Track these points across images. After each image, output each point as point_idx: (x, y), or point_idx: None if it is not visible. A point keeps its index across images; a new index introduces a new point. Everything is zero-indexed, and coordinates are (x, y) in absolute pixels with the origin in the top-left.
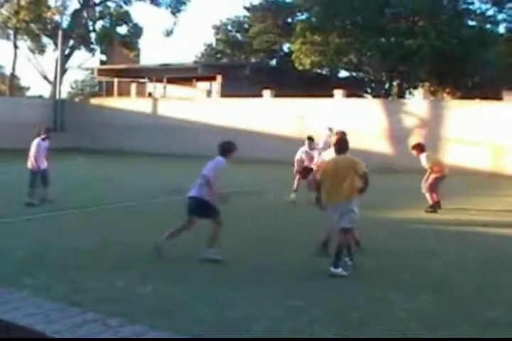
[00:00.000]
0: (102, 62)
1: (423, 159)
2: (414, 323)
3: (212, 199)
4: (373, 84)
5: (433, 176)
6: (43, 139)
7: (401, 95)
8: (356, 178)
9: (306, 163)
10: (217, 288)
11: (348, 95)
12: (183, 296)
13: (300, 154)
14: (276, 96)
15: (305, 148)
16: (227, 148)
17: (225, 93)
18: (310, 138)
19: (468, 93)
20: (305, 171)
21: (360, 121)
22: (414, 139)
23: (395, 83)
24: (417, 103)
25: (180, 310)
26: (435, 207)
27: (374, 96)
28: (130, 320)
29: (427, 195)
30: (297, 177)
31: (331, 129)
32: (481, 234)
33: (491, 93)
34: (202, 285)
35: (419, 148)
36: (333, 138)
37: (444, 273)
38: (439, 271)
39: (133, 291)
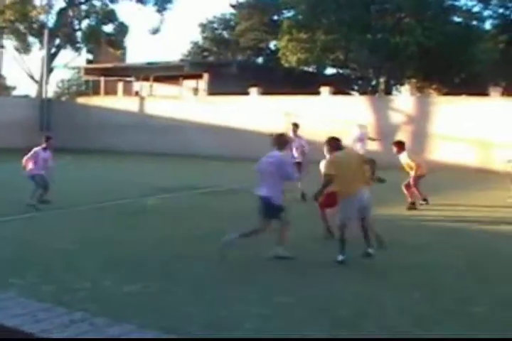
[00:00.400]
0: (89, 61)
1: (403, 157)
2: (404, 320)
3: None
4: (360, 81)
5: (413, 175)
6: (44, 149)
7: (388, 92)
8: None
9: (295, 151)
10: (206, 286)
11: (335, 92)
12: (171, 295)
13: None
14: (263, 93)
15: (291, 134)
16: (283, 141)
17: (211, 91)
18: (295, 125)
19: (454, 89)
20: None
21: (347, 118)
22: (400, 136)
23: (381, 80)
24: (404, 99)
25: (169, 308)
26: (415, 203)
27: (361, 93)
28: (117, 319)
29: (406, 193)
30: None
31: (362, 126)
32: (469, 229)
33: (478, 89)
34: (190, 283)
35: (400, 146)
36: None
37: (434, 269)
38: (428, 267)
39: (120, 290)
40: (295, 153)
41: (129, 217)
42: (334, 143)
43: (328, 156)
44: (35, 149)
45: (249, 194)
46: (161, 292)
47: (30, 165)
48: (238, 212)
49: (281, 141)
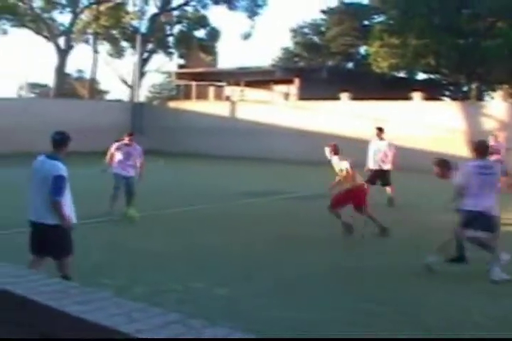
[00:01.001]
0: (180, 66)
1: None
2: (495, 329)
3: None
4: (451, 87)
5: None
6: (126, 144)
7: (479, 98)
8: None
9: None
10: (296, 290)
11: (426, 98)
12: (260, 298)
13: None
14: (354, 99)
15: (375, 140)
16: (484, 148)
17: (302, 96)
18: (379, 129)
19: None
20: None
21: (439, 124)
22: (492, 142)
23: (473, 85)
24: (496, 105)
25: (257, 312)
26: None
27: (452, 99)
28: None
29: None
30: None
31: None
32: None
33: None
34: (280, 287)
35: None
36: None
37: None
38: None
39: (210, 293)
40: (382, 159)
41: (216, 221)
42: (483, 150)
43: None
44: (117, 143)
45: None
46: (250, 295)
47: (114, 160)
48: (324, 217)
49: (482, 148)
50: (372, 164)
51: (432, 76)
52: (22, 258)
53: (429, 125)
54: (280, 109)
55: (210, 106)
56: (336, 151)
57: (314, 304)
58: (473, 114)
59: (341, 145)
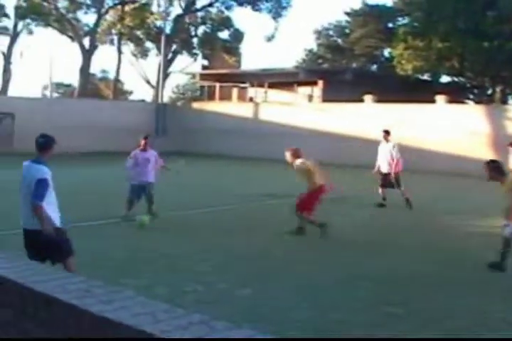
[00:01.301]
0: (204, 67)
1: None
2: None
3: None
4: (476, 90)
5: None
6: (142, 150)
7: (504, 101)
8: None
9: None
10: (318, 292)
11: (451, 101)
12: (280, 300)
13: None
14: (377, 101)
15: (383, 143)
16: None
17: (326, 98)
18: (386, 132)
19: None
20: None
21: (463, 127)
22: None
23: (497, 88)
24: None
25: (277, 313)
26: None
27: (476, 102)
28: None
29: None
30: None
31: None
32: None
33: None
34: (300, 288)
35: None
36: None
37: None
38: None
39: (232, 294)
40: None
41: (234, 222)
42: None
43: None
44: (133, 152)
45: (363, 201)
46: (270, 297)
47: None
48: (349, 219)
49: None
50: (383, 167)
51: (456, 79)
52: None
53: (452, 128)
54: (304, 110)
55: (234, 108)
56: (297, 155)
57: (337, 305)
58: (498, 117)
59: (364, 147)
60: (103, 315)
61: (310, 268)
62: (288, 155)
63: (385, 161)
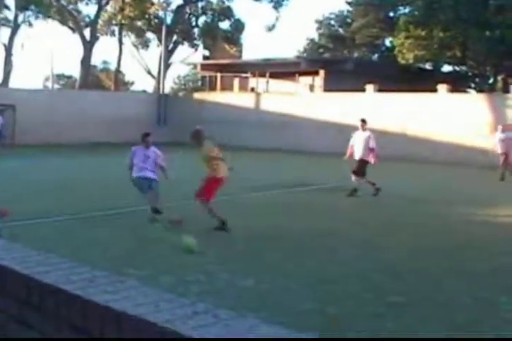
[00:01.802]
0: (205, 57)
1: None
2: None
3: None
4: (477, 79)
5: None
6: (145, 147)
7: (506, 90)
8: None
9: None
10: (319, 283)
11: (452, 90)
12: (283, 291)
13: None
14: (379, 90)
15: (359, 131)
16: None
17: (327, 87)
18: (363, 121)
19: None
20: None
21: (465, 116)
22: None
23: (499, 77)
24: None
25: (280, 304)
26: None
27: (478, 91)
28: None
29: None
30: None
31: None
32: None
33: None
34: (303, 279)
35: None
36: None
37: None
38: None
39: (235, 284)
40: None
41: (237, 211)
42: None
43: None
44: (133, 148)
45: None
46: (273, 287)
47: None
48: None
49: None
50: (356, 155)
51: (457, 68)
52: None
53: (454, 117)
54: (305, 100)
55: (235, 98)
56: (198, 138)
57: (342, 298)
58: (499, 106)
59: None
60: (107, 304)
61: (317, 260)
62: (193, 138)
63: (360, 149)
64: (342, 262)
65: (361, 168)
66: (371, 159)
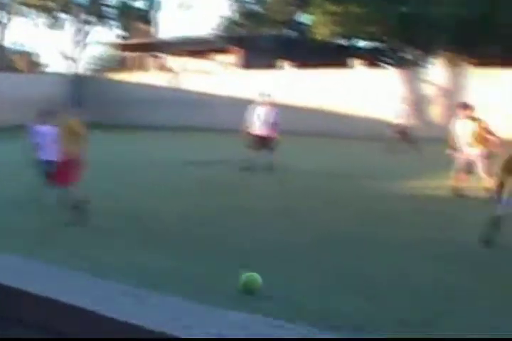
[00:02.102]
0: (120, 37)
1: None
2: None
3: None
4: (393, 55)
5: None
6: (45, 125)
7: (420, 65)
8: None
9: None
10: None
11: (368, 65)
12: (189, 268)
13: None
14: (295, 67)
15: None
16: None
17: (243, 65)
18: (264, 95)
19: (492, 61)
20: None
21: (381, 91)
22: (434, 109)
23: (415, 53)
24: (437, 72)
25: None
26: None
27: (394, 66)
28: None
29: None
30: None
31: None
32: None
33: None
34: (219, 255)
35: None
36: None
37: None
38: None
39: (150, 266)
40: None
41: (150, 189)
42: None
43: None
44: (31, 125)
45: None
46: (191, 265)
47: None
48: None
49: None
50: (256, 130)
51: (373, 44)
52: None
53: (371, 92)
54: (221, 78)
55: (152, 77)
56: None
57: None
58: (414, 80)
59: (284, 113)
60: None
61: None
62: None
63: (263, 124)
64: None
65: (264, 143)
66: (275, 134)
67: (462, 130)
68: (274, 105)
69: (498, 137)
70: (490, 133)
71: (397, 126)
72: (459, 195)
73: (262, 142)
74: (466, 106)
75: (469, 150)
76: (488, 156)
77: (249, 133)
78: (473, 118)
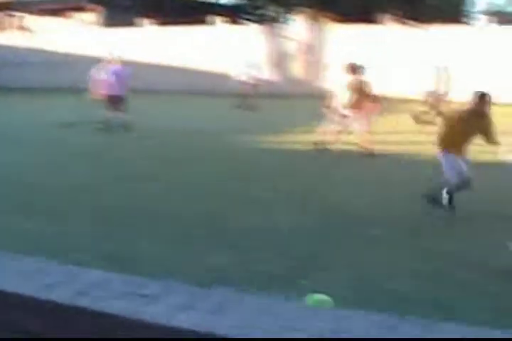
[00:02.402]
0: None
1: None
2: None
3: None
4: (255, 11)
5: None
6: None
7: (282, 21)
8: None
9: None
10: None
11: (230, 23)
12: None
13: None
14: (156, 24)
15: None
16: None
17: (103, 23)
18: (113, 55)
19: (350, 17)
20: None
21: (242, 48)
22: (296, 65)
23: (276, 9)
24: (298, 28)
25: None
26: None
27: (254, 23)
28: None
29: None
30: None
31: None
32: None
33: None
34: (95, 219)
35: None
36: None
37: None
38: None
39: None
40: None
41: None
42: None
43: None
44: None
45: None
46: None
47: None
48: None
49: None
50: (112, 90)
51: (235, 1)
52: None
53: (231, 49)
54: (81, 37)
55: (6, 38)
56: None
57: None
58: (276, 37)
59: (143, 72)
60: None
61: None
62: None
63: (118, 84)
64: None
65: (116, 102)
66: (124, 93)
67: (342, 91)
68: (125, 64)
69: (377, 102)
70: (370, 96)
71: (247, 82)
72: (323, 149)
73: (114, 101)
74: (353, 68)
75: (346, 112)
76: (366, 118)
77: (99, 93)
78: (358, 81)
